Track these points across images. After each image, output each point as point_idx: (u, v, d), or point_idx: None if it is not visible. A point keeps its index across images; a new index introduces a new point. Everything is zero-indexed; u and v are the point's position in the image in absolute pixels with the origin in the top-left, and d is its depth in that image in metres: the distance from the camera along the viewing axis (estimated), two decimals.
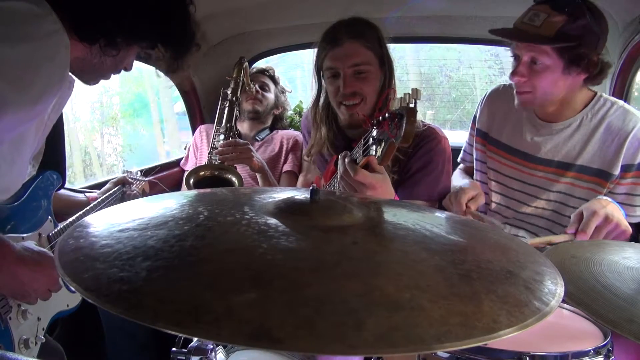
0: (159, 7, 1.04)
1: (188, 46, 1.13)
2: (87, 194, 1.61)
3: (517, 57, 1.44)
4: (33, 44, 0.85)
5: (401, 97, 0.98)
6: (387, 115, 1.02)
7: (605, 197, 1.39)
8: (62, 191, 1.49)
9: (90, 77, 1.11)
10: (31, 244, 1.11)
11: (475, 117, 1.74)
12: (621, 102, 1.48)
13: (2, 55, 0.81)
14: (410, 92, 0.94)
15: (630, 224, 1.46)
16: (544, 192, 1.55)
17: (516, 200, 1.60)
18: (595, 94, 1.50)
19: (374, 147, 1.10)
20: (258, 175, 2.01)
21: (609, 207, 1.33)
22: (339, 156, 1.25)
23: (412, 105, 0.94)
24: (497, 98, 1.68)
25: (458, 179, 1.70)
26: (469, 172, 1.81)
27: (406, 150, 1.48)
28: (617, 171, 1.44)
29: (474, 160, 1.74)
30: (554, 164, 1.52)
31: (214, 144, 2.03)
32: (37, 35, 0.86)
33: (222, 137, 2.02)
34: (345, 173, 1.17)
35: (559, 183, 1.52)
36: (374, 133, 1.10)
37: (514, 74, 1.43)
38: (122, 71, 1.16)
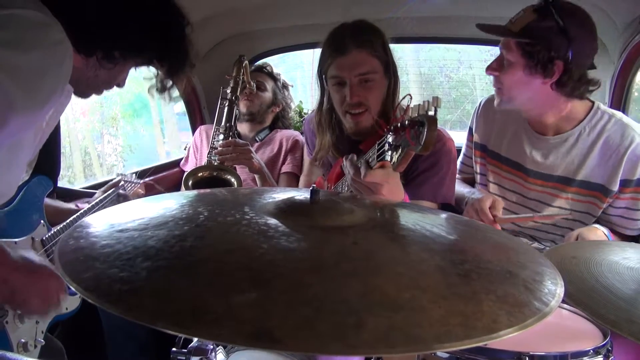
0: (157, 24, 1.05)
1: (183, 64, 1.14)
2: (78, 204, 1.60)
3: None
4: (43, 51, 0.86)
5: (419, 105, 0.97)
6: (406, 122, 1.02)
7: (601, 228, 1.41)
8: (51, 201, 1.47)
9: (83, 89, 1.10)
10: (33, 255, 1.09)
11: (471, 128, 1.72)
12: (619, 115, 1.46)
13: (15, 60, 0.82)
14: (431, 100, 0.94)
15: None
16: (545, 206, 1.54)
17: (516, 213, 1.59)
18: (592, 105, 1.47)
19: (390, 152, 1.09)
20: (256, 176, 1.99)
21: (602, 239, 1.36)
22: (344, 159, 1.24)
23: (432, 113, 0.94)
24: (491, 108, 1.65)
25: (460, 187, 1.68)
26: (467, 183, 1.78)
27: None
28: (616, 187, 1.43)
29: (476, 174, 1.71)
30: (554, 178, 1.51)
31: (213, 143, 2.00)
32: (47, 42, 0.87)
33: (221, 137, 1.99)
34: (357, 177, 1.16)
35: (559, 198, 1.51)
36: (390, 139, 1.09)
37: (487, 67, 1.47)
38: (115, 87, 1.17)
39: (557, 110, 1.45)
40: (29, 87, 0.85)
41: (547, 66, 1.34)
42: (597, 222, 1.51)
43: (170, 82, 1.17)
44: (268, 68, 2.32)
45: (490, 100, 1.67)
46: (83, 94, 1.12)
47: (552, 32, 1.32)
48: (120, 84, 1.16)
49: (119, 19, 1.00)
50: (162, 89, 1.20)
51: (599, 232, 1.39)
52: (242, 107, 2.19)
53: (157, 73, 1.16)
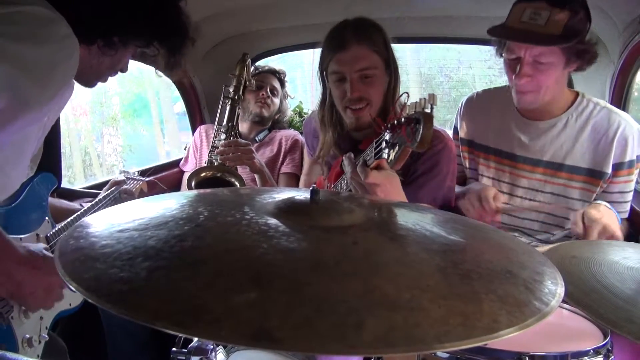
0: (150, 3, 1.06)
1: (183, 40, 1.14)
2: (82, 203, 1.60)
3: (515, 59, 1.41)
4: (53, 46, 0.88)
5: (416, 102, 0.97)
6: (402, 119, 1.02)
7: (603, 203, 1.42)
8: (54, 200, 1.48)
9: (88, 78, 1.12)
10: (39, 248, 1.10)
11: (456, 127, 1.74)
12: (603, 102, 1.50)
13: (27, 55, 0.84)
14: (427, 97, 0.94)
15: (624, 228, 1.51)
16: (536, 193, 1.56)
17: (510, 204, 1.60)
18: (578, 94, 1.52)
19: (387, 150, 1.09)
20: (256, 176, 1.99)
21: (607, 215, 1.37)
22: (344, 157, 1.24)
23: (428, 110, 0.94)
24: (473, 106, 1.69)
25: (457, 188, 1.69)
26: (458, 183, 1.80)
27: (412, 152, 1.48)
28: (608, 169, 1.47)
29: (466, 169, 1.73)
30: (542, 164, 1.53)
31: (214, 143, 1.99)
32: (56, 37, 0.89)
33: (223, 136, 1.98)
34: (355, 175, 1.16)
35: (551, 184, 1.54)
36: (387, 137, 1.09)
37: (519, 75, 1.39)
38: (119, 73, 1.17)
39: (560, 88, 1.48)
40: (40, 81, 0.87)
41: (585, 55, 1.38)
42: None
43: (175, 60, 1.17)
44: (282, 75, 2.33)
45: (471, 98, 1.71)
46: (89, 82, 1.14)
47: (584, 22, 1.34)
48: (124, 69, 1.17)
49: (114, 5, 1.01)
50: (170, 67, 1.20)
51: (602, 206, 1.40)
52: (256, 108, 2.20)
53: (159, 52, 1.16)
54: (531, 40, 1.35)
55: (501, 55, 1.51)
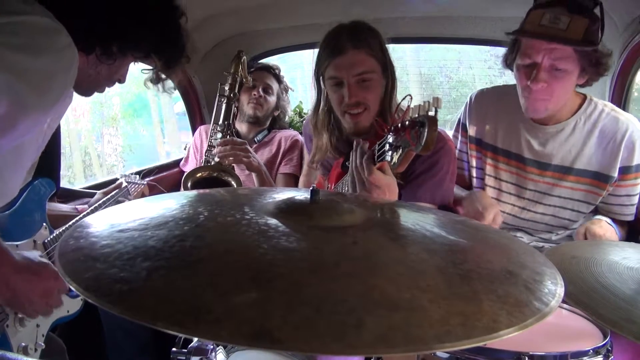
0: (152, 16, 1.07)
1: (179, 57, 1.16)
2: (77, 206, 1.59)
3: (530, 65, 1.39)
4: (53, 56, 0.89)
5: (420, 105, 0.97)
6: (406, 122, 1.02)
7: (604, 219, 1.45)
8: (49, 204, 1.48)
9: (86, 87, 1.12)
10: (34, 255, 1.10)
11: (464, 124, 1.72)
12: (610, 106, 1.51)
13: (27, 64, 0.85)
14: (431, 101, 0.94)
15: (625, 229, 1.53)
16: (544, 196, 1.56)
17: (518, 206, 1.60)
18: (585, 97, 1.52)
19: (390, 153, 1.09)
20: (254, 175, 1.97)
21: (609, 232, 1.40)
22: (354, 148, 1.24)
23: (432, 113, 0.94)
24: (483, 102, 1.67)
25: (457, 190, 1.66)
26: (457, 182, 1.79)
27: None
28: (615, 173, 1.47)
29: (472, 168, 1.71)
30: (551, 167, 1.53)
31: (211, 142, 1.98)
32: (56, 47, 0.90)
33: (219, 135, 1.97)
34: (360, 169, 1.17)
35: (559, 187, 1.54)
36: (390, 139, 1.09)
37: (535, 81, 1.36)
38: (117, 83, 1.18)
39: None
40: (39, 90, 0.88)
41: (599, 65, 1.38)
42: (595, 210, 1.56)
43: (165, 75, 1.19)
44: (277, 70, 2.30)
45: (480, 95, 1.69)
46: (86, 91, 1.14)
47: (601, 32, 1.35)
48: (122, 80, 1.18)
49: (115, 12, 1.02)
50: (157, 80, 1.23)
51: (603, 222, 1.44)
52: (249, 109, 2.18)
53: (155, 65, 1.19)
54: (556, 39, 1.33)
55: (506, 65, 1.50)
